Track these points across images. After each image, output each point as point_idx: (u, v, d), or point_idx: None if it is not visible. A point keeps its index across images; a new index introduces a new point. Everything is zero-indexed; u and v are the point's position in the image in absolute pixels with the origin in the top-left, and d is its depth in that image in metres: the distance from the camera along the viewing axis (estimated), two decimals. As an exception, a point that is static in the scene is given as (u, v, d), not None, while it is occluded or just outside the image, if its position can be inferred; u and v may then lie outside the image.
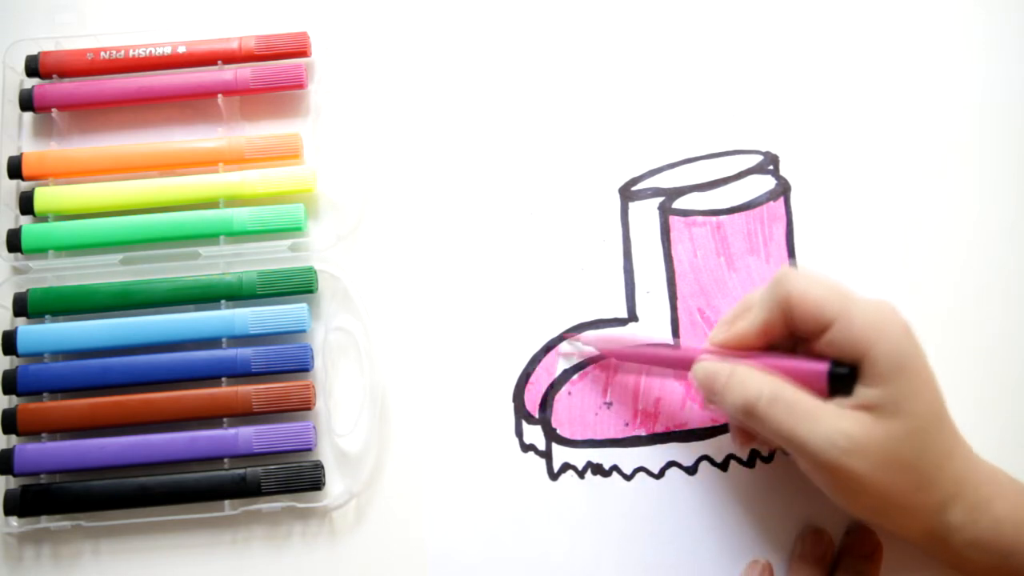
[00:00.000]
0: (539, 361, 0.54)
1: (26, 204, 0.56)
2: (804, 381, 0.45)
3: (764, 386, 0.45)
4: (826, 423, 0.43)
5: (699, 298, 0.55)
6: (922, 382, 0.44)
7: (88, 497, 0.52)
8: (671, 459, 0.53)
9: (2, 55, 0.58)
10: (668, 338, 0.54)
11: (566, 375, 0.54)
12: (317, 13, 0.60)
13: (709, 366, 0.47)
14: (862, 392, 0.43)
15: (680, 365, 0.50)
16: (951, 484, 0.44)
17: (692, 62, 0.58)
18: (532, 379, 0.54)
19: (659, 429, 0.53)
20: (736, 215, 0.56)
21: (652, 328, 0.55)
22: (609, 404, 0.54)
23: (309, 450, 0.53)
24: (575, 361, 0.54)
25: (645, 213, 0.56)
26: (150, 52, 0.58)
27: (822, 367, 0.44)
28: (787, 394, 0.44)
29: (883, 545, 0.51)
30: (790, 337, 0.47)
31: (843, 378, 0.44)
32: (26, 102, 0.58)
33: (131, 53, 0.58)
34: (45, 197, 0.56)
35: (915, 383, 0.44)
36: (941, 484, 0.44)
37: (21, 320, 0.55)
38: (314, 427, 0.53)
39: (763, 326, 0.47)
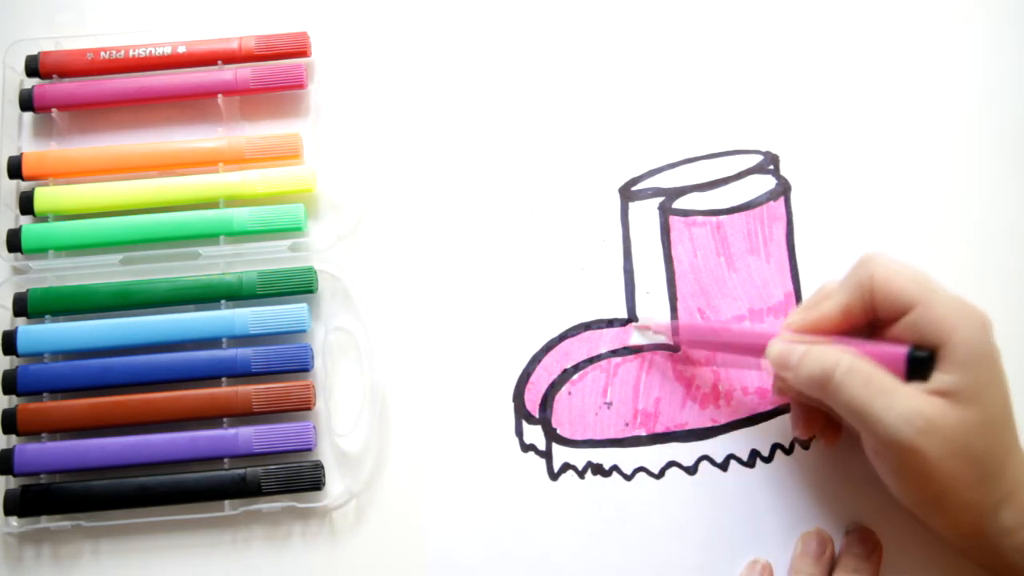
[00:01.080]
0: (539, 361, 0.54)
1: (26, 204, 0.56)
2: (882, 364, 0.45)
3: (842, 357, 0.45)
4: (903, 401, 0.43)
5: (699, 298, 0.55)
6: (997, 375, 0.44)
7: (88, 497, 0.52)
8: (671, 459, 0.53)
9: (2, 55, 0.58)
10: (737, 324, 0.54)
11: (566, 375, 0.54)
12: (317, 13, 0.60)
13: (785, 344, 0.47)
14: (940, 378, 0.44)
15: (753, 349, 0.50)
16: (1010, 484, 0.44)
17: (692, 62, 0.58)
18: (532, 379, 0.54)
19: (659, 429, 0.53)
20: (736, 215, 0.56)
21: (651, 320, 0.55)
22: (609, 404, 0.54)
23: (309, 450, 0.53)
24: (650, 339, 0.54)
25: (645, 213, 0.56)
26: (150, 52, 0.58)
27: (901, 350, 0.45)
28: (865, 367, 0.44)
29: (883, 545, 0.51)
30: (867, 325, 0.47)
31: (922, 363, 0.44)
32: (26, 102, 0.58)
33: (131, 53, 0.58)
34: (45, 197, 0.56)
35: (991, 375, 0.44)
36: (1001, 482, 0.44)
37: (21, 320, 0.55)
38: (314, 427, 0.53)
39: (843, 309, 0.47)
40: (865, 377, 0.44)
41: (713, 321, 0.54)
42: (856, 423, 0.45)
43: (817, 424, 0.50)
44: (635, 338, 0.54)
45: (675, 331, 0.53)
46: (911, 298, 0.45)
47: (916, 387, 0.44)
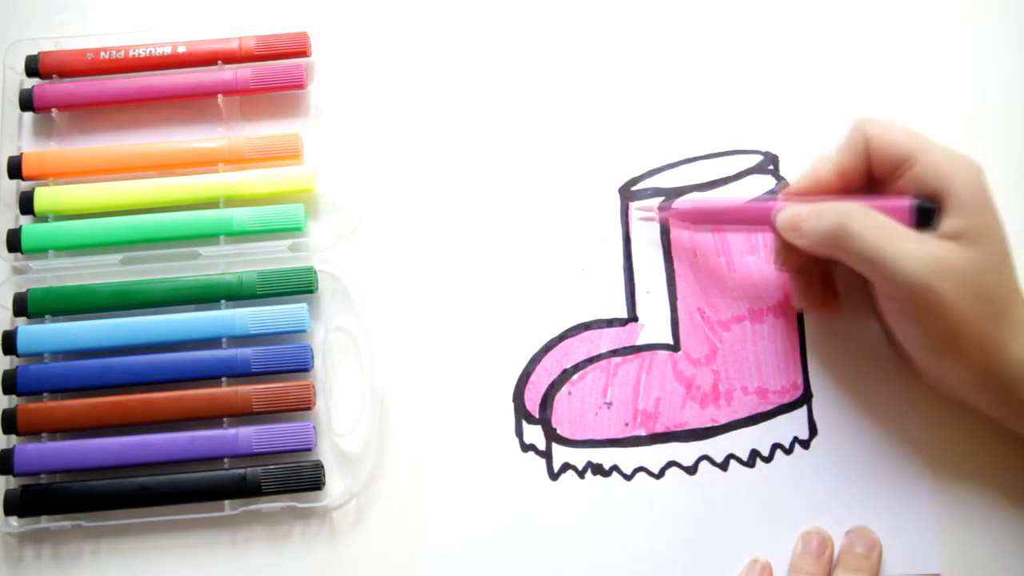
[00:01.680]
0: (539, 361, 0.54)
1: (26, 204, 0.56)
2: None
3: (854, 208, 0.46)
4: (916, 244, 0.45)
5: (699, 298, 0.55)
6: (996, 217, 0.46)
7: (88, 497, 0.52)
8: (671, 459, 0.53)
9: (2, 55, 0.58)
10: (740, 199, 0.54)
11: (566, 375, 0.54)
12: (317, 13, 0.60)
13: (794, 206, 0.48)
14: (947, 223, 0.45)
15: (757, 219, 0.51)
16: (1016, 319, 0.46)
17: (692, 62, 0.58)
18: (532, 379, 0.54)
19: (659, 429, 0.53)
20: (736, 215, 0.56)
21: (652, 328, 0.55)
22: (609, 404, 0.54)
23: (309, 450, 0.53)
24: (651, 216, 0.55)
25: (645, 213, 0.56)
26: (150, 52, 0.58)
27: (906, 202, 0.46)
28: (877, 216, 0.46)
29: (882, 543, 0.51)
30: (864, 185, 0.49)
31: (927, 212, 0.46)
32: (26, 102, 0.58)
33: (131, 53, 0.58)
34: (45, 197, 0.56)
35: (992, 217, 0.46)
36: (1009, 317, 0.46)
37: (21, 320, 0.55)
38: (314, 427, 0.53)
39: (840, 170, 0.48)
40: (878, 224, 0.46)
41: (711, 199, 0.55)
42: (870, 270, 0.46)
43: (817, 294, 0.51)
44: (636, 215, 0.55)
45: (671, 210, 0.54)
46: (907, 151, 0.47)
47: (926, 233, 0.46)
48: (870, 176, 0.49)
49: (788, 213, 0.49)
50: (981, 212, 0.46)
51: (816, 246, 0.48)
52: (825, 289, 0.52)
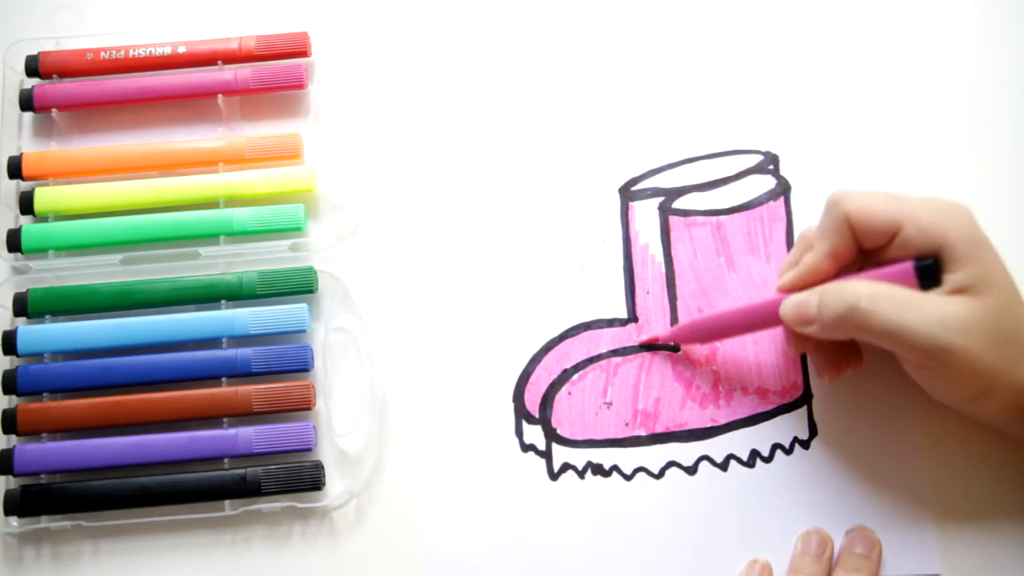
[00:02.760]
0: (539, 361, 0.54)
1: (26, 204, 0.56)
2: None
3: (861, 287, 0.46)
4: (932, 308, 0.44)
5: (699, 298, 0.55)
6: (997, 259, 0.46)
7: (88, 497, 0.52)
8: (671, 459, 0.53)
9: (2, 55, 0.58)
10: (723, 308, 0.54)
11: (566, 375, 0.54)
12: (317, 13, 0.60)
13: (797, 297, 0.48)
14: (951, 278, 0.45)
15: (762, 320, 0.50)
16: None
17: (692, 62, 0.58)
18: (532, 379, 0.54)
19: (659, 429, 0.53)
20: (736, 215, 0.56)
21: (652, 328, 0.55)
22: (609, 404, 0.54)
23: (309, 450, 0.53)
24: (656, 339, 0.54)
25: (645, 213, 0.56)
26: (150, 52, 0.58)
27: (907, 265, 0.46)
28: (885, 288, 0.45)
29: (882, 543, 0.51)
30: (858, 258, 0.48)
31: (930, 270, 0.45)
32: (26, 102, 0.58)
33: (131, 53, 0.58)
34: (45, 197, 0.56)
35: (994, 259, 0.46)
36: None
37: (21, 320, 0.55)
38: (314, 427, 0.53)
39: (830, 254, 0.48)
40: (889, 297, 0.45)
41: (707, 312, 0.54)
42: (891, 344, 0.46)
43: (839, 361, 0.50)
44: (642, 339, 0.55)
45: (677, 335, 0.53)
46: (892, 218, 0.46)
47: (935, 293, 0.45)
48: (861, 250, 0.48)
49: (794, 304, 0.48)
50: (982, 259, 0.45)
51: (830, 334, 0.47)
52: (846, 354, 0.50)
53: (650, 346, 0.54)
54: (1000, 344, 0.45)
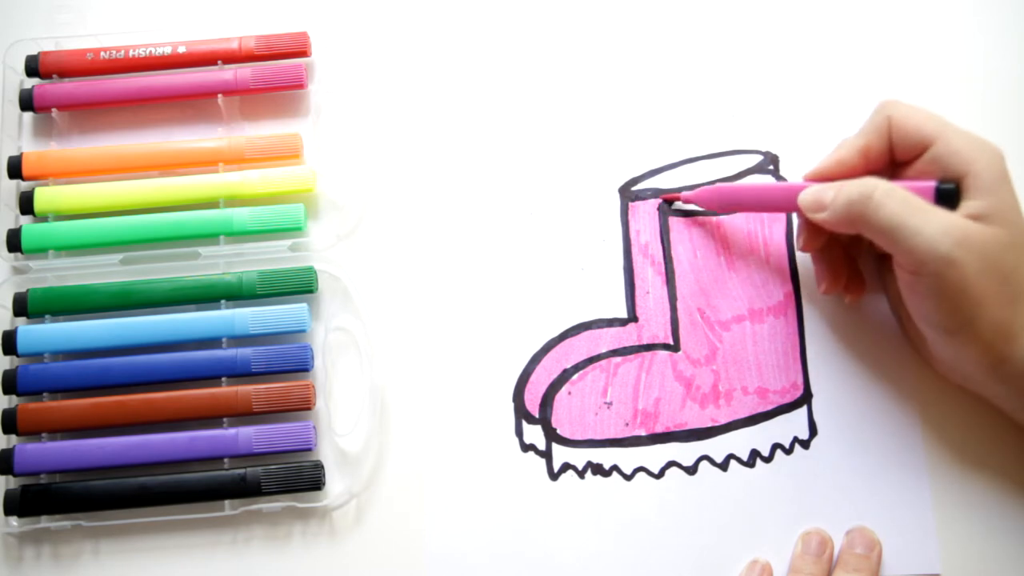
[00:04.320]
0: (539, 361, 0.54)
1: (26, 204, 0.56)
2: None
3: (880, 182, 0.47)
4: (940, 220, 0.45)
5: (699, 298, 0.55)
6: (1016, 201, 0.47)
7: (88, 497, 0.52)
8: (671, 459, 0.53)
9: (2, 55, 0.58)
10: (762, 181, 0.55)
11: (566, 375, 0.54)
12: (317, 13, 0.60)
13: (818, 186, 0.49)
14: (968, 204, 0.46)
15: (781, 199, 0.51)
16: None
17: (692, 62, 0.58)
18: (532, 379, 0.54)
19: (659, 429, 0.53)
20: (736, 215, 0.56)
21: (652, 328, 0.55)
22: (609, 404, 0.54)
23: (309, 450, 0.53)
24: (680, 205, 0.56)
25: (645, 213, 0.56)
26: (150, 52, 0.58)
27: (929, 184, 0.47)
28: (900, 189, 0.46)
29: (882, 543, 0.51)
30: (885, 168, 0.49)
31: (949, 194, 0.46)
32: (26, 102, 0.58)
33: (131, 53, 0.58)
34: (45, 197, 0.56)
35: (1013, 200, 0.46)
36: None
37: (21, 320, 0.55)
38: (314, 427, 0.53)
39: (862, 151, 0.49)
40: (902, 196, 0.46)
41: (736, 184, 0.55)
42: (892, 243, 0.46)
43: (841, 277, 0.51)
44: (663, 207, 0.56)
45: (697, 197, 0.54)
46: (929, 133, 0.47)
47: (949, 212, 0.46)
48: (893, 159, 0.49)
49: (814, 190, 0.49)
50: (1002, 194, 0.46)
51: (839, 220, 0.48)
52: (850, 272, 0.52)
53: (650, 346, 0.54)
54: (997, 276, 0.45)
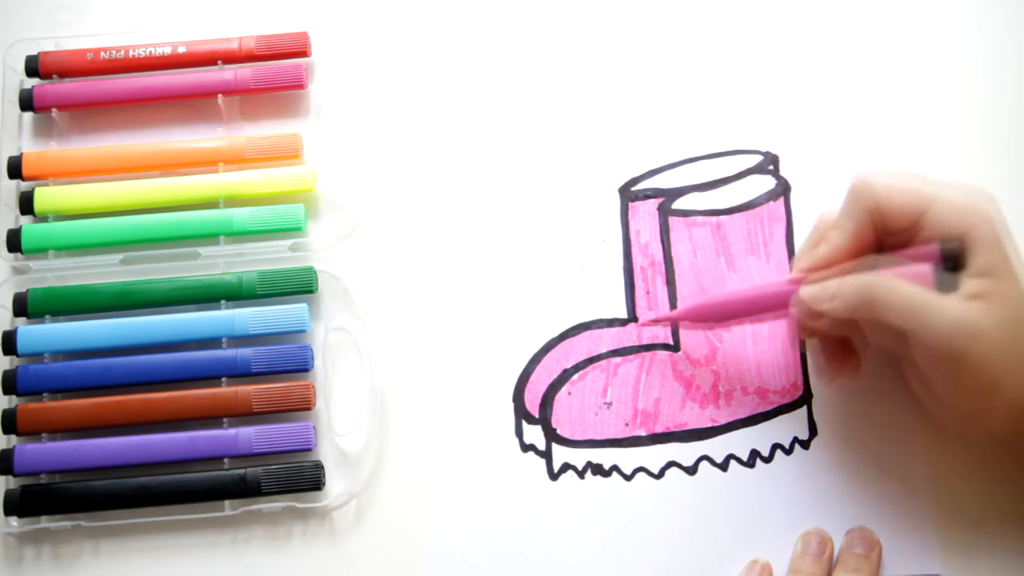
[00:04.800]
0: (539, 361, 0.54)
1: (26, 204, 0.56)
2: (911, 278, 0.45)
3: (878, 278, 0.45)
4: (950, 309, 0.44)
5: (699, 298, 0.55)
6: (1017, 253, 0.45)
7: (88, 497, 0.52)
8: (671, 459, 0.53)
9: (2, 55, 0.58)
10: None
11: (566, 375, 0.54)
12: (317, 13, 0.60)
13: (812, 287, 0.47)
14: (969, 284, 0.44)
15: (775, 303, 0.49)
16: None
17: (692, 62, 0.58)
18: (532, 379, 0.54)
19: (659, 429, 0.53)
20: (736, 215, 0.56)
21: (652, 328, 0.55)
22: (609, 404, 0.54)
23: (309, 450, 0.53)
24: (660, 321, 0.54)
25: (645, 213, 0.56)
26: (150, 52, 0.58)
27: (931, 249, 0.45)
28: (903, 284, 0.45)
29: (882, 543, 0.51)
30: (875, 246, 0.47)
31: (954, 255, 0.45)
32: (26, 102, 0.58)
33: (131, 53, 0.58)
34: (45, 197, 0.56)
35: (1013, 254, 0.45)
36: None
37: (21, 320, 0.55)
38: (314, 427, 0.53)
39: (853, 238, 0.47)
40: (907, 292, 0.44)
41: (714, 294, 0.54)
42: (901, 341, 0.45)
43: (839, 363, 0.50)
44: (645, 321, 0.54)
45: (681, 316, 0.53)
46: (918, 206, 0.46)
47: (953, 296, 0.45)
48: (883, 233, 0.47)
49: (811, 291, 0.47)
50: (1003, 266, 0.44)
51: (842, 326, 0.47)
52: (846, 355, 0.50)
53: (650, 346, 0.54)
54: (1013, 354, 0.44)
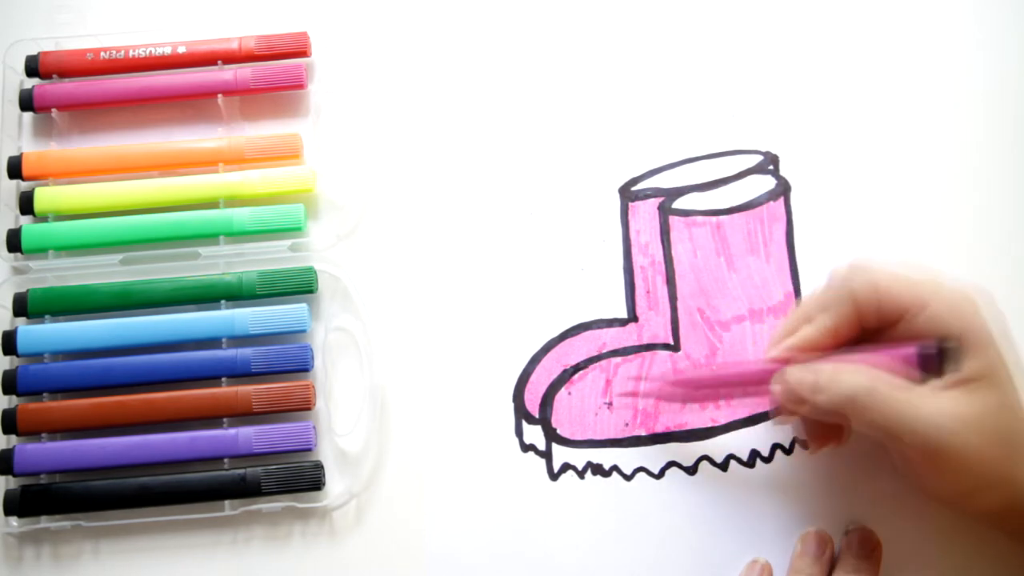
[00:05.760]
0: (539, 361, 0.54)
1: (26, 204, 0.56)
2: (890, 369, 0.45)
3: (861, 378, 0.45)
4: (930, 406, 0.44)
5: (699, 298, 0.55)
6: (1001, 354, 0.45)
7: (88, 497, 0.52)
8: (671, 459, 0.53)
9: (2, 55, 0.58)
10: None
11: (566, 375, 0.54)
12: (317, 13, 0.60)
13: (796, 372, 0.46)
14: (952, 374, 0.44)
15: (753, 382, 0.49)
16: None
17: (692, 62, 0.58)
18: (532, 379, 0.54)
19: (659, 429, 0.53)
20: (736, 215, 0.56)
21: (652, 328, 0.55)
22: (609, 404, 0.54)
23: (309, 450, 0.53)
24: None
25: (645, 213, 0.56)
26: (150, 52, 0.58)
27: (910, 351, 0.45)
28: (885, 382, 0.44)
29: (883, 544, 0.51)
30: (859, 333, 0.47)
31: (933, 359, 0.44)
32: (26, 102, 0.58)
33: (131, 53, 0.58)
34: (45, 197, 0.56)
35: (997, 355, 0.45)
36: None
37: (21, 320, 0.55)
38: (314, 427, 0.53)
39: (833, 329, 0.47)
40: (888, 393, 0.44)
41: (700, 369, 0.53)
42: (887, 439, 0.46)
43: (824, 435, 0.50)
44: (621, 393, 0.54)
45: (664, 390, 0.52)
46: (902, 304, 0.45)
47: (934, 386, 0.44)
48: (868, 323, 0.47)
49: (794, 377, 0.46)
50: (986, 354, 0.44)
51: (823, 418, 0.47)
52: (830, 427, 0.49)
53: (650, 345, 0.54)
54: (995, 443, 0.44)
